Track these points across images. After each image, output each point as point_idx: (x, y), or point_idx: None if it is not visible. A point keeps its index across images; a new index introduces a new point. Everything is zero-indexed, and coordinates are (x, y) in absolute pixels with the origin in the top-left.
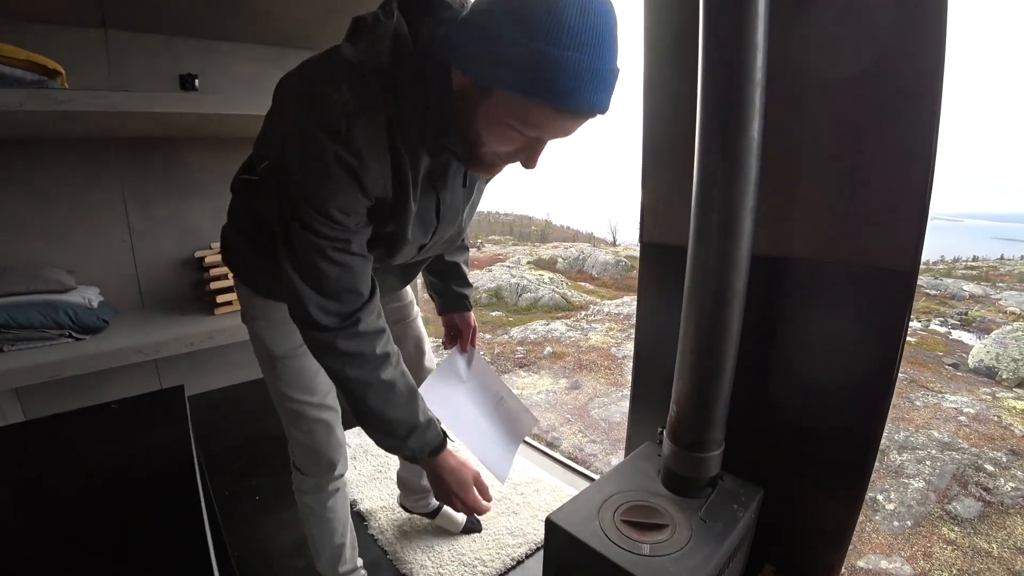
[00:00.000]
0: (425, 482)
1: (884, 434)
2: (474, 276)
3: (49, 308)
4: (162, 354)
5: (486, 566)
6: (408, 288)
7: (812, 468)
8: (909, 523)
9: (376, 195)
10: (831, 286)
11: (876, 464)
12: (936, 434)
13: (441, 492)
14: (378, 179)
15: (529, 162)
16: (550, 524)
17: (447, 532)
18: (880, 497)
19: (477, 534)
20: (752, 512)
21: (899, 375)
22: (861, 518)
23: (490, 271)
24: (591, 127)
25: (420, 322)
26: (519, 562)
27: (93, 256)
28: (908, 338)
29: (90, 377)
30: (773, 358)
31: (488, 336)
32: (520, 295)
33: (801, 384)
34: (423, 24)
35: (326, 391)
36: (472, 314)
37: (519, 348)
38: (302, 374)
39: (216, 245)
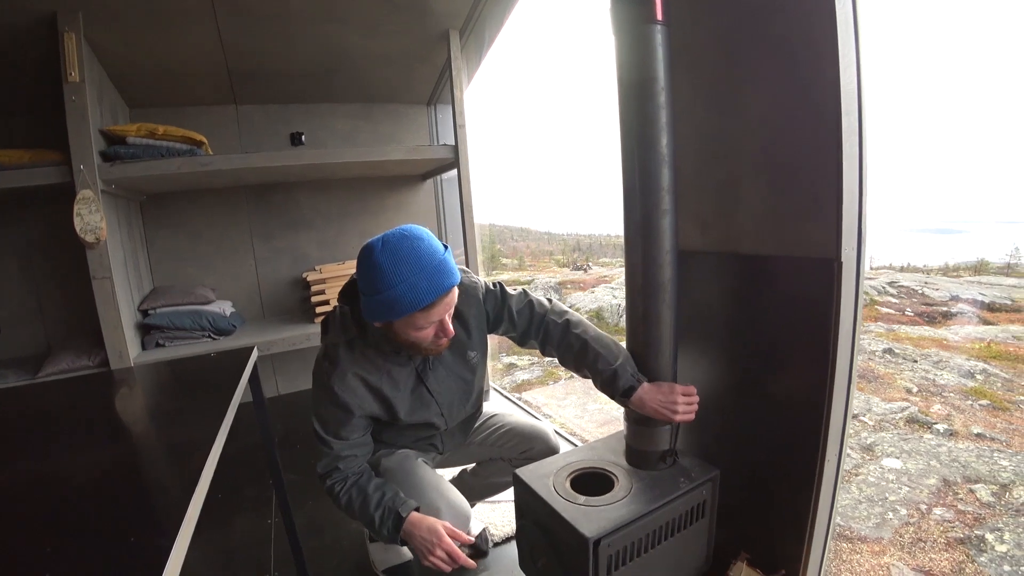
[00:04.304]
0: None
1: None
2: (576, 298)
3: (196, 315)
4: (272, 351)
5: (498, 529)
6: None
7: (765, 452)
8: None
9: (366, 411)
10: (773, 275)
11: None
12: None
13: (416, 556)
14: (358, 402)
15: (445, 333)
16: (516, 477)
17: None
18: None
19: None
20: (702, 489)
21: None
22: None
23: (592, 292)
24: None
25: (501, 418)
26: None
27: (229, 277)
28: None
29: None
30: (725, 346)
31: None
32: (621, 316)
33: (754, 371)
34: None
35: None
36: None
37: None
38: None
39: (320, 268)
